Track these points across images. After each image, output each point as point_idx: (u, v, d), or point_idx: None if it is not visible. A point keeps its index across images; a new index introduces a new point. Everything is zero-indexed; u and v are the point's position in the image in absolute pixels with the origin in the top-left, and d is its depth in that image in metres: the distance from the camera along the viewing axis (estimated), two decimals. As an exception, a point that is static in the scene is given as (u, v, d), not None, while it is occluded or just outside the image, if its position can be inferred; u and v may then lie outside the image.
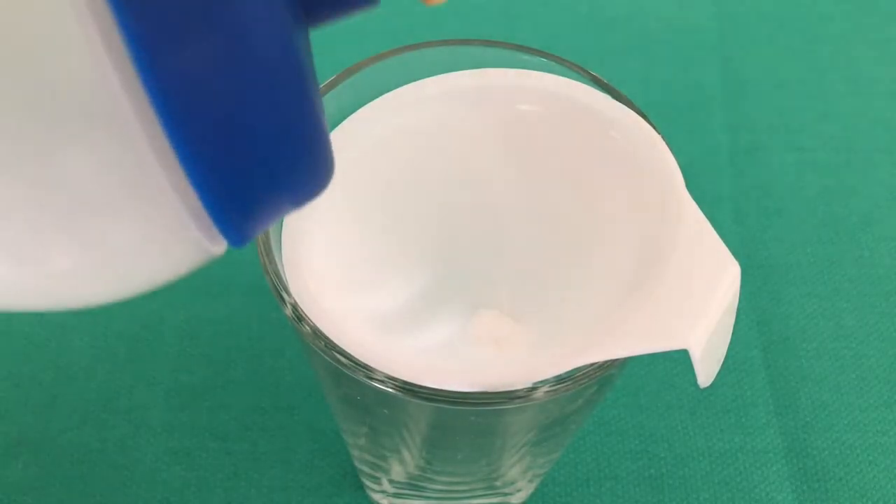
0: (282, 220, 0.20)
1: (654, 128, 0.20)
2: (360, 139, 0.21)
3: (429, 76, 0.21)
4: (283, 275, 0.19)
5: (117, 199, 0.11)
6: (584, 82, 0.21)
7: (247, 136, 0.11)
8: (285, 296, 0.18)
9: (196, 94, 0.10)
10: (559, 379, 0.17)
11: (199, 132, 0.11)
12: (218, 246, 0.13)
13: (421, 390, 0.17)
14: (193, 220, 0.12)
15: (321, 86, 0.20)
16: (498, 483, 0.25)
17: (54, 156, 0.10)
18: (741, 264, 0.18)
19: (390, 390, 0.17)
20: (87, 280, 0.12)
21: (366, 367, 0.17)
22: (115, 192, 0.11)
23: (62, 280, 0.12)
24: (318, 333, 0.18)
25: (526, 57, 0.21)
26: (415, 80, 0.21)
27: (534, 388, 0.17)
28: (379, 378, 0.17)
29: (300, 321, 0.18)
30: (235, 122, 0.11)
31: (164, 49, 0.10)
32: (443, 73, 0.21)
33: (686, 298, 0.17)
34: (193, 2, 0.10)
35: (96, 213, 0.11)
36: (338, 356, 0.17)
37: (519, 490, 0.27)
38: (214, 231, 0.13)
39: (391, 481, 0.26)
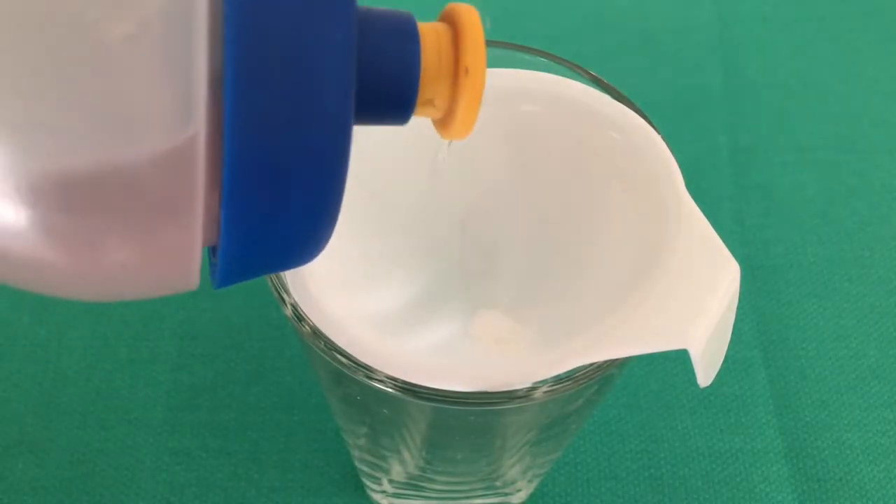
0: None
1: (655, 128, 0.20)
2: (359, 139, 0.21)
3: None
4: (283, 275, 0.19)
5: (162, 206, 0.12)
6: (584, 82, 0.21)
7: (284, 209, 0.13)
8: (285, 296, 0.18)
9: (262, 157, 0.12)
10: (559, 379, 0.17)
11: (251, 189, 0.13)
12: (193, 282, 0.14)
13: (421, 390, 0.17)
14: (197, 259, 0.13)
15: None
16: (498, 483, 0.25)
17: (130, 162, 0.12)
18: (741, 264, 0.18)
19: (390, 390, 0.17)
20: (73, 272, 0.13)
21: (366, 367, 0.17)
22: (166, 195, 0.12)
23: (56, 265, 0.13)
24: (317, 333, 0.18)
25: (526, 57, 0.21)
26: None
27: (533, 388, 0.17)
28: (379, 378, 0.17)
29: (300, 321, 0.18)
30: (282, 192, 0.13)
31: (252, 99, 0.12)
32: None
33: (686, 298, 0.17)
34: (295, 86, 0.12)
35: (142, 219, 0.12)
36: (338, 356, 0.17)
37: (519, 490, 0.27)
38: (198, 271, 0.14)
39: (391, 481, 0.26)
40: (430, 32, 0.15)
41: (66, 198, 0.12)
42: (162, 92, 0.12)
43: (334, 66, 0.13)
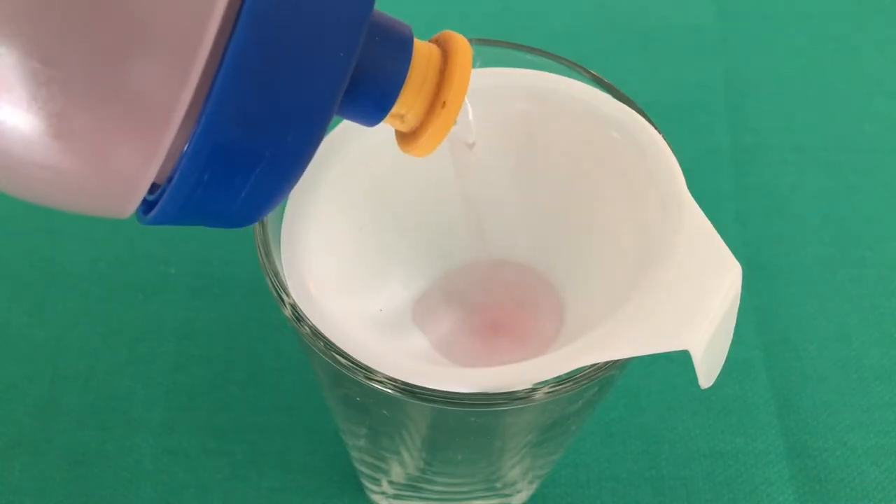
0: (281, 221, 0.20)
1: (656, 127, 0.20)
2: (359, 139, 0.21)
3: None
4: (282, 275, 0.19)
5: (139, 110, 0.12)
6: (584, 82, 0.21)
7: (248, 163, 0.14)
8: (284, 296, 0.18)
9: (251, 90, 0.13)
10: (559, 380, 0.17)
11: (228, 129, 0.13)
12: (129, 209, 0.14)
13: (420, 391, 0.17)
14: (148, 175, 0.13)
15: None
16: (498, 484, 0.25)
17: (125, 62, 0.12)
18: (742, 264, 0.18)
19: (390, 391, 0.17)
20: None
21: (365, 367, 0.17)
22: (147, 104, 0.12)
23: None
24: (317, 334, 0.18)
25: (527, 56, 0.21)
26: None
27: (534, 390, 0.17)
28: (378, 379, 0.17)
29: (299, 321, 0.18)
30: (251, 146, 0.13)
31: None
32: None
33: (687, 299, 0.17)
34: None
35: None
36: (337, 357, 0.17)
37: (519, 491, 0.27)
38: (140, 201, 0.14)
39: (391, 482, 0.26)
40: (423, 55, 0.16)
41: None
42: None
43: (336, 57, 0.13)
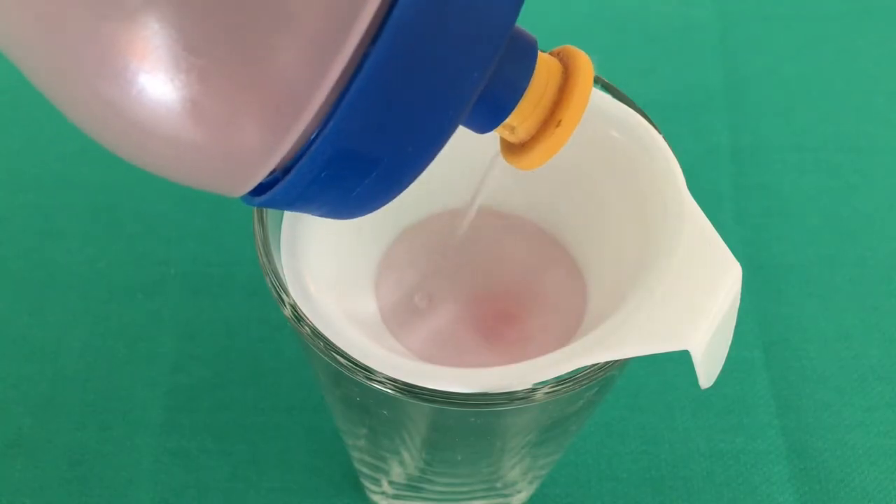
0: (281, 221, 0.20)
1: (656, 127, 0.20)
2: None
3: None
4: (282, 275, 0.19)
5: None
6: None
7: (368, 166, 0.14)
8: (284, 296, 0.18)
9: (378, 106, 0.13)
10: (559, 380, 0.17)
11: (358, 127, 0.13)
12: (244, 190, 0.14)
13: (420, 391, 0.17)
14: (273, 161, 0.13)
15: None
16: (498, 484, 0.25)
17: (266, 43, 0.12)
18: (742, 264, 0.18)
19: (390, 391, 0.17)
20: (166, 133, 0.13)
21: (365, 367, 0.17)
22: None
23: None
24: (317, 334, 0.18)
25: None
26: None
27: (534, 390, 0.17)
28: (378, 379, 0.17)
29: (299, 322, 0.18)
30: (377, 147, 0.13)
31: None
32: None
33: (687, 299, 0.17)
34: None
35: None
36: (337, 357, 0.17)
37: (519, 491, 0.27)
38: (257, 184, 0.14)
39: (391, 482, 0.26)
40: (543, 70, 0.16)
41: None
42: None
43: (470, 75, 0.13)
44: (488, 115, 0.16)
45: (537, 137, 0.16)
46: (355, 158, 0.13)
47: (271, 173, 0.14)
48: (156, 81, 0.12)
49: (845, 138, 0.38)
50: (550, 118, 0.16)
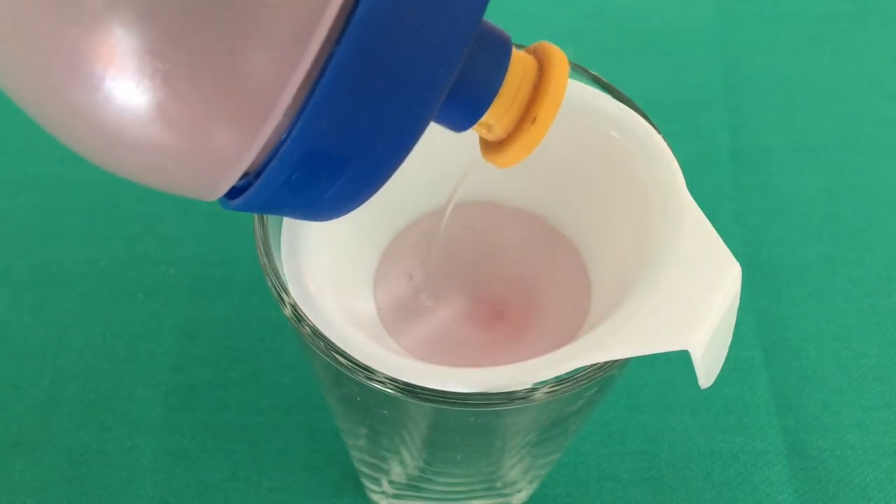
0: (281, 221, 0.20)
1: (655, 127, 0.20)
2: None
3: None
4: (282, 275, 0.19)
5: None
6: (584, 82, 0.21)
7: (346, 148, 0.13)
8: (285, 296, 0.18)
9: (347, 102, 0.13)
10: (559, 380, 0.17)
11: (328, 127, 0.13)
12: (218, 192, 0.14)
13: (421, 391, 0.17)
14: (243, 164, 0.13)
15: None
16: (498, 484, 0.25)
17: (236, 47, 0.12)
18: (742, 264, 0.18)
19: (390, 391, 0.17)
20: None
21: (365, 367, 0.17)
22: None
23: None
24: (317, 334, 0.18)
25: (526, 56, 0.21)
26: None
27: (534, 389, 0.17)
28: (379, 379, 0.17)
29: (300, 321, 0.18)
30: (348, 145, 0.13)
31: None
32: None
33: (687, 299, 0.17)
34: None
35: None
36: (337, 357, 0.17)
37: (519, 491, 0.27)
38: (231, 185, 0.14)
39: (391, 482, 0.26)
40: (518, 67, 0.16)
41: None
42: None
43: (438, 73, 0.13)
44: (464, 114, 0.16)
45: (514, 135, 0.16)
46: (325, 159, 0.13)
47: (244, 176, 0.14)
48: (122, 87, 0.12)
49: (845, 138, 0.38)
50: (526, 115, 0.16)
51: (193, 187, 0.14)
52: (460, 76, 0.15)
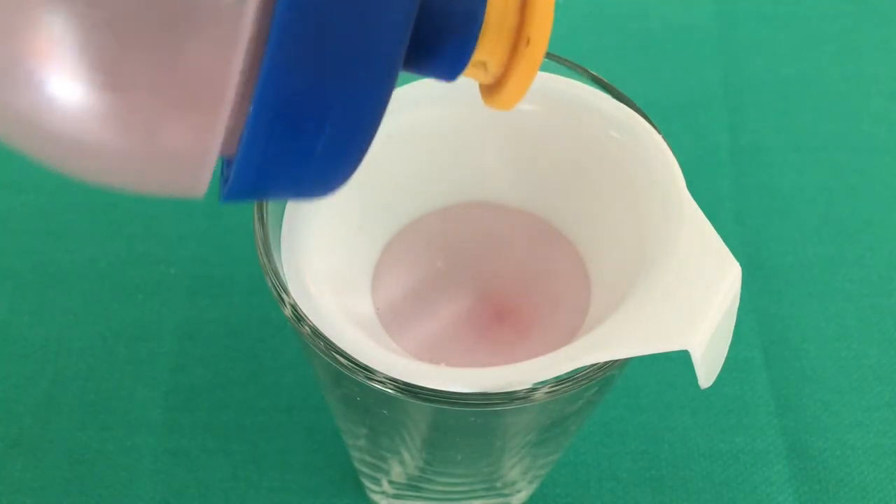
0: (281, 221, 0.20)
1: (655, 127, 0.20)
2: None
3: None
4: (282, 275, 0.19)
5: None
6: (584, 82, 0.21)
7: (313, 126, 0.13)
8: (285, 296, 0.18)
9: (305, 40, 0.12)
10: (559, 380, 0.17)
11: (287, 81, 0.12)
12: (201, 186, 0.13)
13: (421, 391, 0.17)
14: (212, 157, 0.13)
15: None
16: (498, 484, 0.25)
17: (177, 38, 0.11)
18: (742, 264, 0.18)
19: (390, 391, 0.17)
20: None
21: (365, 367, 0.17)
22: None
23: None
24: (317, 334, 0.18)
25: (526, 56, 0.21)
26: (416, 80, 0.21)
27: (533, 390, 0.17)
28: (379, 379, 0.17)
29: (299, 321, 0.18)
30: (315, 110, 0.12)
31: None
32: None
33: (687, 299, 0.17)
34: None
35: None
36: (337, 357, 0.17)
37: (519, 491, 0.27)
38: (209, 176, 0.13)
39: (391, 482, 0.26)
40: None
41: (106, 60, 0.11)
42: None
43: (396, 3, 0.12)
44: (452, 55, 0.15)
45: (510, 66, 0.15)
46: (300, 103, 0.12)
47: (229, 165, 0.13)
48: (68, 79, 0.12)
49: (845, 138, 0.38)
50: (519, 39, 0.15)
51: (170, 184, 0.13)
52: (437, 10, 0.14)
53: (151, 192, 0.14)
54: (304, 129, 0.13)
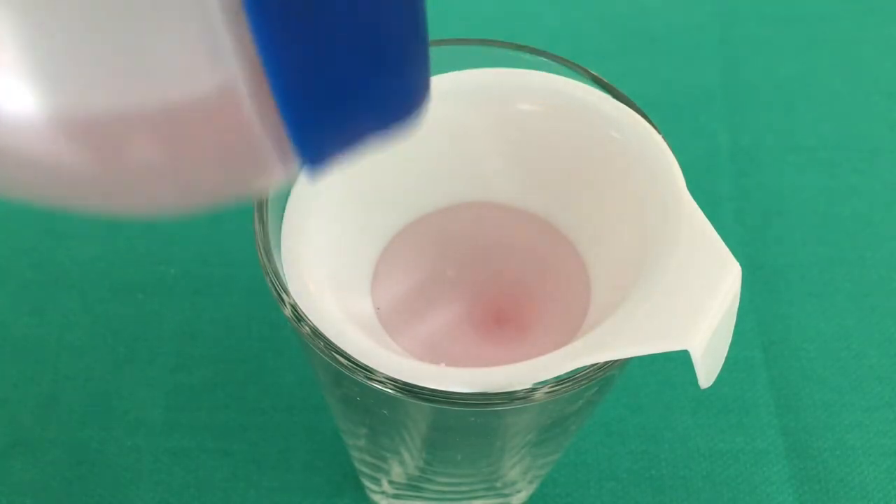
0: (281, 221, 0.20)
1: (655, 127, 0.20)
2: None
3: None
4: (282, 275, 0.19)
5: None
6: (584, 82, 0.21)
7: (340, 29, 0.10)
8: (285, 296, 0.18)
9: None
10: (559, 380, 0.17)
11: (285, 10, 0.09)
12: (287, 164, 0.11)
13: (421, 391, 0.17)
14: (260, 121, 0.10)
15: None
16: (498, 484, 0.25)
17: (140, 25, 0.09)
18: (742, 264, 0.18)
19: (390, 391, 0.17)
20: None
21: (365, 367, 0.17)
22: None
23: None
24: (317, 334, 0.18)
25: (527, 57, 0.21)
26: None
27: (533, 389, 0.17)
28: (379, 379, 0.17)
29: (299, 321, 0.18)
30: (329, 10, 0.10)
31: None
32: (444, 72, 0.21)
33: (687, 299, 0.17)
34: None
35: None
36: (337, 356, 0.17)
37: (519, 491, 0.27)
38: (285, 143, 0.11)
39: (391, 482, 0.26)
40: None
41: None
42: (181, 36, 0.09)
43: None
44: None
45: None
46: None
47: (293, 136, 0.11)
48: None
49: (845, 138, 0.38)
50: None
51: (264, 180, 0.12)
52: None
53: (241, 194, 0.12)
54: (335, 44, 0.10)
